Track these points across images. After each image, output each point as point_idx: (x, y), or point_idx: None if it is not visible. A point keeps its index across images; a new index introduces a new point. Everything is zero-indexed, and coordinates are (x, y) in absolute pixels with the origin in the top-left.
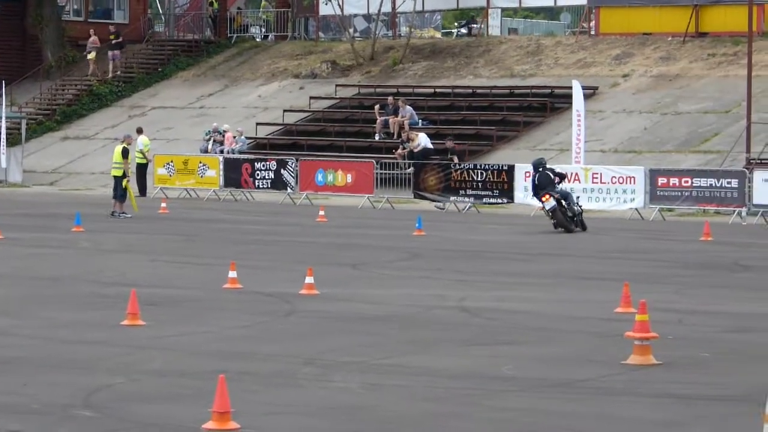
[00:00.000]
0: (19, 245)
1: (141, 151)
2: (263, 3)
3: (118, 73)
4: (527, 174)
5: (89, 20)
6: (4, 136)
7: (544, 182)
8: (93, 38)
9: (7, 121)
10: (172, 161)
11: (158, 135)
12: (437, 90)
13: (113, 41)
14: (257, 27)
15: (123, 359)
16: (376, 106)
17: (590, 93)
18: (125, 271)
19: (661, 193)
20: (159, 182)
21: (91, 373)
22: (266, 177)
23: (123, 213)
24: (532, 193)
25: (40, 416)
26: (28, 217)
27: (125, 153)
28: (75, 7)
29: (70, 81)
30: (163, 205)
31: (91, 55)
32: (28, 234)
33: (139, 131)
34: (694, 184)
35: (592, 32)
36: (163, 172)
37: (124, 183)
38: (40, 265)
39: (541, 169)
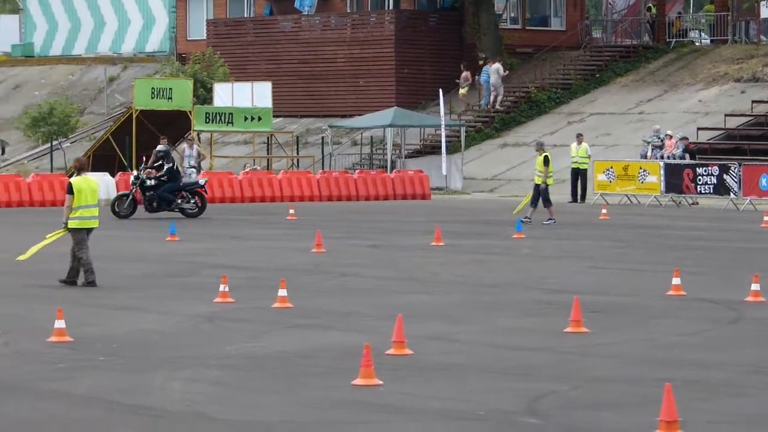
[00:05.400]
0: (460, 252)
1: (588, 156)
2: (708, 7)
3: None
4: None
5: (527, 28)
6: (444, 143)
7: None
8: (465, 74)
9: (447, 129)
10: (612, 167)
11: (597, 141)
12: None
13: (480, 63)
14: (696, 31)
15: (567, 366)
16: None
17: None
18: (566, 277)
19: None
20: (599, 188)
21: (535, 379)
22: (708, 182)
23: (551, 219)
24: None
25: (484, 423)
26: (468, 223)
27: (546, 161)
28: (512, 14)
29: (508, 88)
30: (604, 211)
31: (463, 90)
32: (469, 240)
33: (580, 137)
34: None
35: None
36: (603, 178)
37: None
38: (482, 272)
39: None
